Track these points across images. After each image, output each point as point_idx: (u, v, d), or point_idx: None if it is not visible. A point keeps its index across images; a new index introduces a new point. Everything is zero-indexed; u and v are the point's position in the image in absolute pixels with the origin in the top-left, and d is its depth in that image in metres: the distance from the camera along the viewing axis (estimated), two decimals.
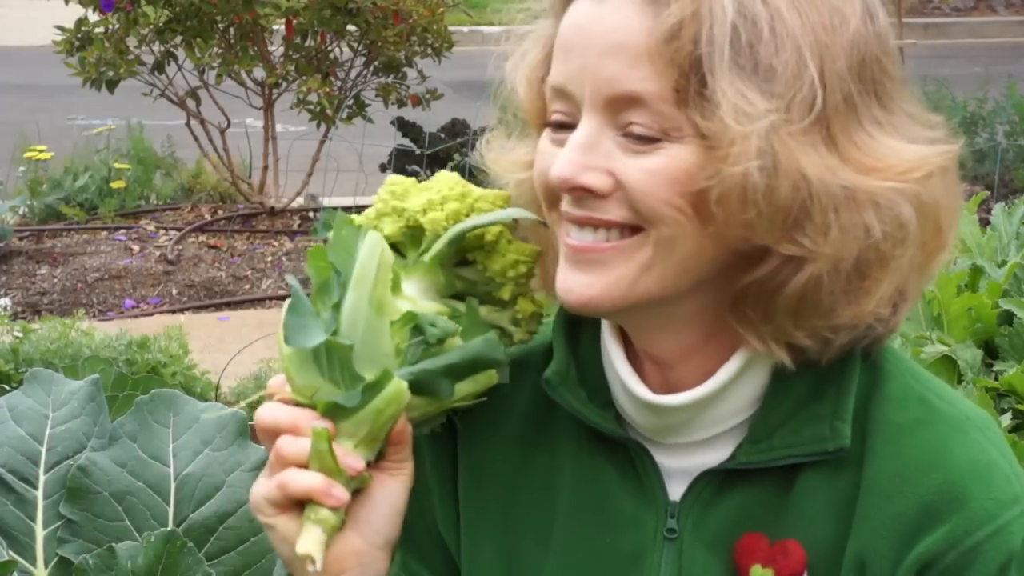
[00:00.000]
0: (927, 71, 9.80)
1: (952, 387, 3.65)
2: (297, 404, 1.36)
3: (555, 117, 1.37)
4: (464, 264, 1.44)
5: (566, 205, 1.36)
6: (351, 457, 1.35)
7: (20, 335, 4.84)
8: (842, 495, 1.38)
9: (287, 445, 1.35)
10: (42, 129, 9.17)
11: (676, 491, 1.43)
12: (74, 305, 6.88)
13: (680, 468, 1.43)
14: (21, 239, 7.96)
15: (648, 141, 1.31)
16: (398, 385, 1.33)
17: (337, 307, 1.33)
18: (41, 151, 8.65)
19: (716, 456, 1.41)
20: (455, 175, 1.44)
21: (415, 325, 1.36)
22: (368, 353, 1.33)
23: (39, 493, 2.30)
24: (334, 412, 1.34)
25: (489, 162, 1.51)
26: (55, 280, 7.33)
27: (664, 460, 1.43)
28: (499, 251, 1.43)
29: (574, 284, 1.36)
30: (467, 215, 1.41)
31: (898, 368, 1.42)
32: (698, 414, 1.40)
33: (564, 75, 1.35)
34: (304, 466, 1.34)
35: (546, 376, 1.46)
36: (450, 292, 1.42)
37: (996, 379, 3.89)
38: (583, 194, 1.33)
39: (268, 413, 1.37)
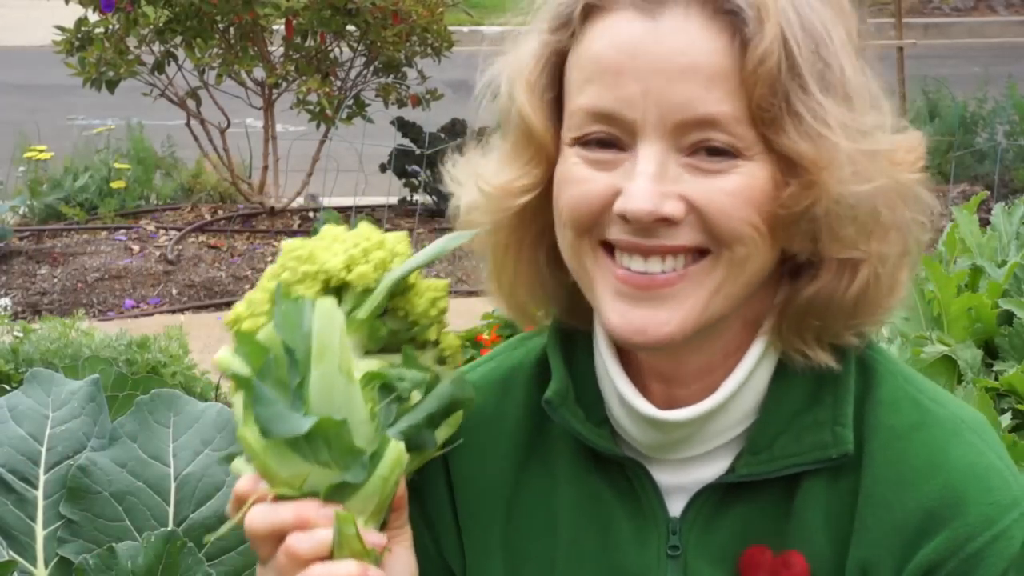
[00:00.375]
0: (927, 71, 9.80)
1: (952, 387, 3.65)
2: (282, 499, 1.29)
3: (597, 136, 1.31)
4: (381, 314, 1.37)
5: (623, 234, 1.31)
6: (372, 534, 1.30)
7: (20, 335, 4.84)
8: (842, 502, 1.36)
9: (301, 543, 1.27)
10: (42, 129, 9.17)
11: (676, 507, 1.41)
12: (74, 305, 6.88)
13: (678, 484, 1.41)
14: (21, 239, 7.96)
15: (722, 162, 1.28)
16: (397, 448, 1.28)
17: (302, 386, 1.27)
18: (41, 151, 8.65)
19: (714, 470, 1.39)
20: (367, 226, 1.37)
21: (383, 384, 1.30)
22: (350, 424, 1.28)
23: (39, 493, 2.30)
24: (339, 493, 1.28)
25: (468, 186, 1.43)
26: (55, 280, 7.33)
27: (661, 477, 1.41)
28: (418, 292, 1.36)
29: (647, 322, 1.31)
30: (391, 262, 1.34)
31: (889, 369, 1.41)
32: (700, 428, 1.38)
33: (617, 100, 1.29)
34: (325, 559, 1.28)
35: (547, 397, 1.42)
36: (377, 347, 1.35)
37: (996, 379, 3.88)
38: (659, 224, 1.29)
39: (263, 517, 1.29)
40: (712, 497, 1.39)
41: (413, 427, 1.31)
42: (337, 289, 1.33)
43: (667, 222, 1.29)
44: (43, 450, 2.32)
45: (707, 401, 1.37)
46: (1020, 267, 4.45)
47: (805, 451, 1.36)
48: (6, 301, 6.79)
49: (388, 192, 8.13)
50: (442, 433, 1.36)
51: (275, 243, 7.96)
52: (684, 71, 1.27)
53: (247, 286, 7.32)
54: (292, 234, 8.05)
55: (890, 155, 1.32)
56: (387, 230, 1.39)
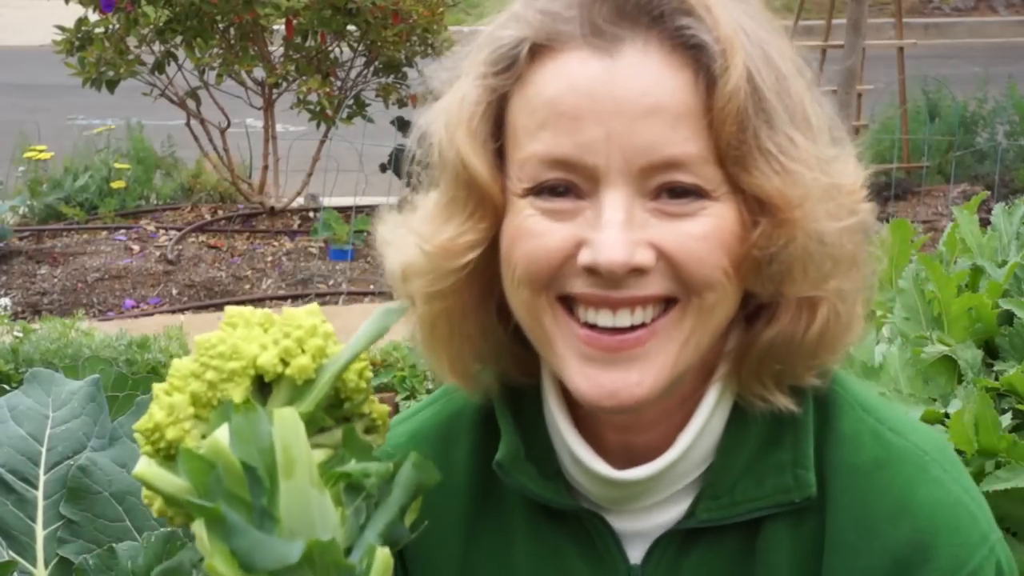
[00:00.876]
0: (927, 71, 9.80)
1: (952, 387, 3.65)
2: None
3: (551, 183, 1.24)
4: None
5: (588, 287, 1.24)
6: None
7: (20, 335, 4.85)
8: (806, 544, 1.32)
9: None
10: (42, 129, 9.18)
11: (636, 555, 1.36)
12: (74, 305, 6.88)
13: (637, 530, 1.36)
14: (21, 239, 7.96)
15: (689, 204, 1.22)
16: (384, 555, 1.20)
17: (270, 503, 1.18)
18: (41, 151, 8.66)
19: (673, 514, 1.35)
20: (289, 310, 1.27)
21: (348, 484, 1.23)
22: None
23: (39, 493, 2.30)
24: None
25: (399, 247, 1.33)
26: (55, 280, 7.33)
27: (620, 524, 1.36)
28: (346, 368, 1.27)
29: (617, 385, 1.25)
30: (326, 348, 1.25)
31: (847, 400, 1.36)
32: (659, 480, 1.33)
33: (577, 146, 1.21)
34: None
35: (499, 460, 1.36)
36: (316, 431, 1.26)
37: (996, 379, 3.88)
38: (629, 274, 1.22)
39: None
40: (673, 543, 1.35)
41: (389, 526, 1.22)
42: (266, 382, 1.24)
43: (638, 272, 1.22)
44: (43, 450, 2.32)
45: (665, 456, 1.32)
46: (1020, 267, 4.45)
47: (767, 495, 1.32)
48: (6, 301, 6.79)
49: (388, 192, 8.13)
50: (408, 519, 1.28)
51: (275, 243, 7.97)
52: (648, 112, 1.20)
53: (247, 286, 7.32)
54: (292, 234, 8.05)
55: (852, 187, 1.28)
56: None
